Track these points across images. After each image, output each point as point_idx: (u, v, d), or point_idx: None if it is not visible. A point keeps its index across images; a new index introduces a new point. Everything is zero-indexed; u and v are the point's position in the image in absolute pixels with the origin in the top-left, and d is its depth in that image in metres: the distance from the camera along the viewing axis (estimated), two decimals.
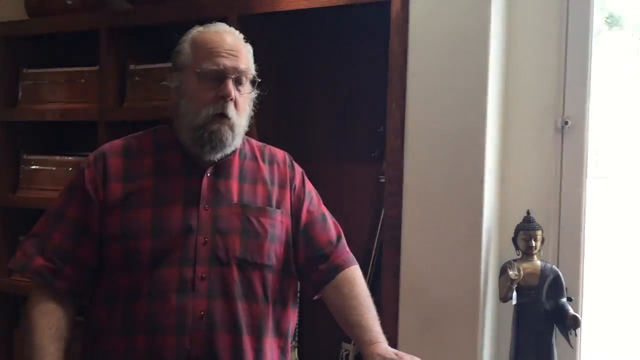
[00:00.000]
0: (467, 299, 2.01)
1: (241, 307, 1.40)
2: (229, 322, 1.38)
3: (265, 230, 1.46)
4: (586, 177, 2.15)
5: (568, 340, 2.02)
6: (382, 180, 2.17)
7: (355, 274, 1.56)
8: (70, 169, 2.53)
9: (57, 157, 2.61)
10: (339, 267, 1.54)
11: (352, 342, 2.12)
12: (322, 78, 2.49)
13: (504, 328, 2.13)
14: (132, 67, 2.45)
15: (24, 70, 2.67)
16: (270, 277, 1.45)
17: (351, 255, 1.60)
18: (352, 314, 1.45)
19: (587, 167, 2.15)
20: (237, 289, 1.40)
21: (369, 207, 2.34)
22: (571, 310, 1.99)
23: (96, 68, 2.49)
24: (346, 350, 2.17)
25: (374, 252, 2.19)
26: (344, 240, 1.61)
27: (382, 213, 2.15)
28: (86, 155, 1.56)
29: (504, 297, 2.06)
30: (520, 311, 2.06)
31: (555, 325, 2.04)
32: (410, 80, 2.05)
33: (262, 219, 1.46)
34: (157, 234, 1.39)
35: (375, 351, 1.34)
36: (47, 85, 2.60)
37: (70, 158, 2.59)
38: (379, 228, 2.06)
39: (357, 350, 2.06)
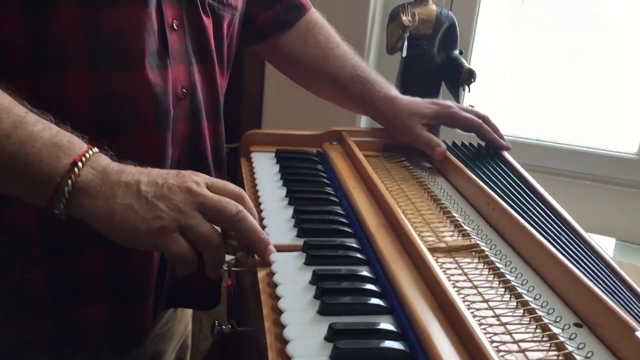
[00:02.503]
0: None
1: (218, 75, 0.88)
2: (209, 100, 0.86)
3: None
4: None
5: (457, 97, 1.80)
6: None
7: (321, 17, 1.11)
8: None
9: None
10: (302, 7, 1.06)
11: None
12: None
13: None
14: None
15: None
16: (235, 29, 0.92)
17: None
18: (344, 65, 1.03)
19: None
20: (212, 46, 0.85)
21: None
22: (466, 64, 1.73)
23: None
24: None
25: None
26: None
27: None
28: None
29: (392, 48, 1.74)
30: (407, 65, 1.76)
31: (443, 81, 1.80)
32: None
33: None
34: None
35: (411, 110, 0.98)
36: None
37: None
38: None
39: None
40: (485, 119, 1.00)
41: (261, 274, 0.66)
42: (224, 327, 0.73)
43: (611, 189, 1.66)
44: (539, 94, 1.94)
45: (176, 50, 0.78)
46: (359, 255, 0.68)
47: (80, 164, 0.63)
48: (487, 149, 1.01)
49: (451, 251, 0.70)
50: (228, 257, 0.72)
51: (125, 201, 0.63)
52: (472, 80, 1.74)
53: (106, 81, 0.72)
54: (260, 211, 0.77)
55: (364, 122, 1.77)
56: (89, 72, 0.71)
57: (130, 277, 0.79)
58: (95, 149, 0.66)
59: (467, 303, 0.60)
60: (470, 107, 1.02)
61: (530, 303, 0.61)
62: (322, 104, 1.15)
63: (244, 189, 0.74)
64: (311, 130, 1.02)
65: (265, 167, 0.91)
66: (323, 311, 0.58)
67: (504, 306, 0.61)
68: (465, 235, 0.74)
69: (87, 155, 0.64)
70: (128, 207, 0.63)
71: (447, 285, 0.59)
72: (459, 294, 0.60)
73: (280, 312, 0.58)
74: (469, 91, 1.81)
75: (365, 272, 0.64)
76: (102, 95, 0.72)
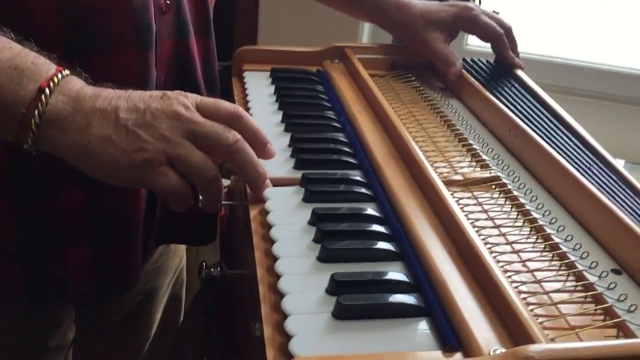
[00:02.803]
0: None
1: None
2: (197, 13, 0.75)
3: None
4: None
5: None
6: None
7: None
8: None
9: None
10: None
11: None
12: None
13: None
14: None
15: None
16: None
17: None
18: None
19: None
20: None
21: None
22: None
23: None
24: None
25: None
26: None
27: None
28: None
29: None
30: None
31: None
32: None
33: None
34: None
35: (427, 17, 0.87)
36: None
37: None
38: None
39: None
40: (508, 31, 0.89)
41: (254, 211, 0.58)
42: (212, 270, 0.65)
43: (621, 108, 1.57)
44: (550, 9, 1.81)
45: None
46: (364, 190, 0.60)
47: (47, 90, 0.54)
48: (496, 65, 0.90)
49: (469, 184, 0.62)
50: (225, 182, 0.64)
51: (101, 132, 0.54)
52: None
53: None
54: None
55: (365, 37, 1.66)
56: None
57: (114, 215, 0.71)
58: (66, 71, 0.56)
59: (489, 246, 0.52)
60: (494, 14, 0.91)
61: (560, 246, 0.53)
62: (322, 16, 1.04)
63: None
64: (310, 46, 0.92)
65: (259, 88, 0.81)
66: (324, 257, 0.50)
67: (530, 249, 0.54)
68: (485, 166, 0.65)
69: (56, 79, 0.55)
70: (105, 139, 0.54)
71: (467, 225, 0.52)
72: (479, 235, 0.52)
73: (274, 258, 0.50)
74: (480, 3, 1.69)
75: (371, 211, 0.56)
76: (71, 9, 0.62)
